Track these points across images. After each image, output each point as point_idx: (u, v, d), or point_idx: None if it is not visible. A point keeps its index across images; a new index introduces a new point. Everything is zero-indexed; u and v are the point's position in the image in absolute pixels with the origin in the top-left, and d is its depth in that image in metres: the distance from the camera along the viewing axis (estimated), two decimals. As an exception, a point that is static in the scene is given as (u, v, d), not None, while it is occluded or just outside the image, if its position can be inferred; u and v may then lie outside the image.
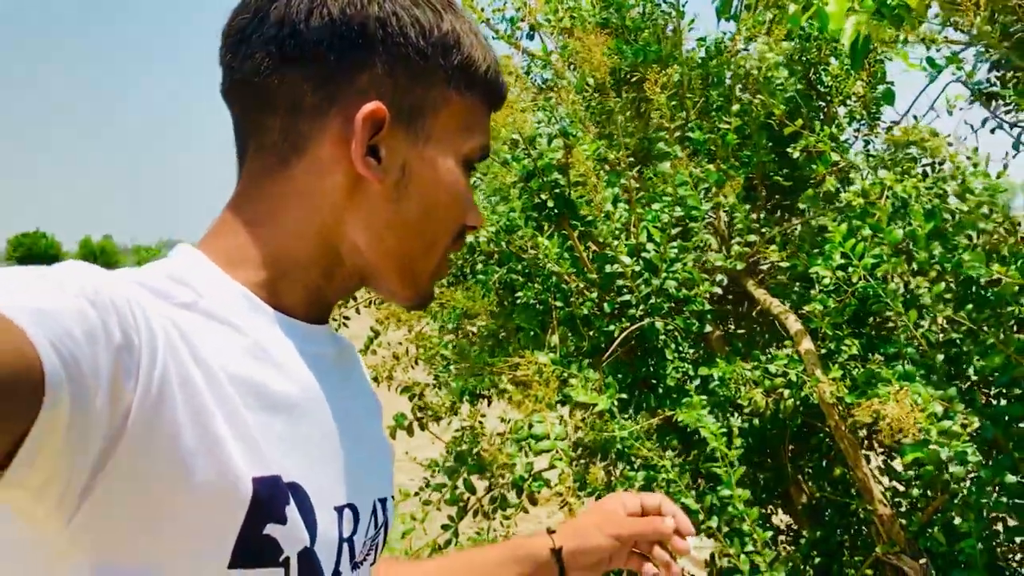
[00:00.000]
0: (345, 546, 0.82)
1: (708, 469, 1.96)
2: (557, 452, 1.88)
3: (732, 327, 2.63)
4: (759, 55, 2.15)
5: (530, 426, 1.93)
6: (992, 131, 1.98)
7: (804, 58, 2.34)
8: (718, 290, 2.31)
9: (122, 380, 0.61)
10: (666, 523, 1.11)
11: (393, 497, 0.95)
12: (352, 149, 0.79)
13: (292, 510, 0.73)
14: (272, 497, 0.71)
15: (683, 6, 2.74)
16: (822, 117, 2.50)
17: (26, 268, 0.62)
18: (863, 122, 2.71)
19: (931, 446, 1.68)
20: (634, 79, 2.59)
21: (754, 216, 2.51)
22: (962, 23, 1.72)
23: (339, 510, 0.81)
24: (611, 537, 1.12)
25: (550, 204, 2.24)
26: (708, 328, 2.46)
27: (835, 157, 2.09)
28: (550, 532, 1.10)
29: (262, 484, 0.70)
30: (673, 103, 2.51)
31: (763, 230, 2.38)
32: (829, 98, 2.48)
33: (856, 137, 2.71)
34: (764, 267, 2.49)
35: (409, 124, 0.81)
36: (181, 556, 0.67)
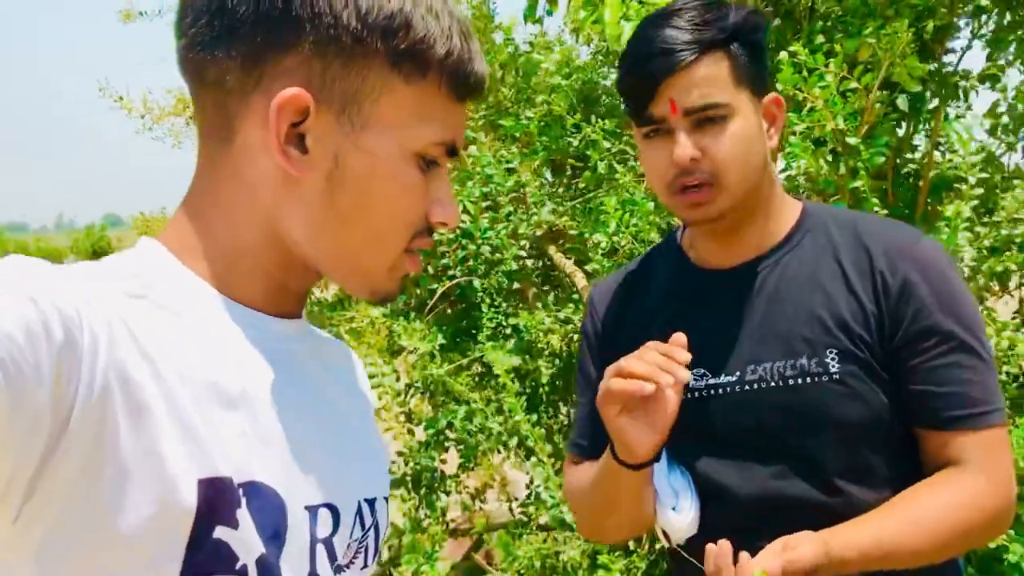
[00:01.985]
0: (321, 547, 0.79)
1: (501, 400, 2.42)
2: (384, 388, 2.31)
3: (545, 285, 3.12)
4: (552, 62, 2.62)
5: (362, 367, 2.35)
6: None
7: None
8: (523, 253, 2.78)
9: (65, 379, 0.60)
10: None
11: (387, 499, 0.92)
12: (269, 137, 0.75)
13: (244, 514, 0.70)
14: (221, 500, 0.68)
15: (494, 9, 3.20)
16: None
17: None
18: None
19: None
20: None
21: (560, 192, 3.00)
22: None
23: (312, 509, 0.79)
24: None
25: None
26: (521, 286, 2.95)
27: (607, 144, 2.58)
28: None
29: (209, 487, 0.68)
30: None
31: (561, 205, 2.87)
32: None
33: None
34: (565, 235, 2.98)
35: (342, 111, 0.76)
36: (128, 562, 0.66)
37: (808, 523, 1.17)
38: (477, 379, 2.58)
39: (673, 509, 1.29)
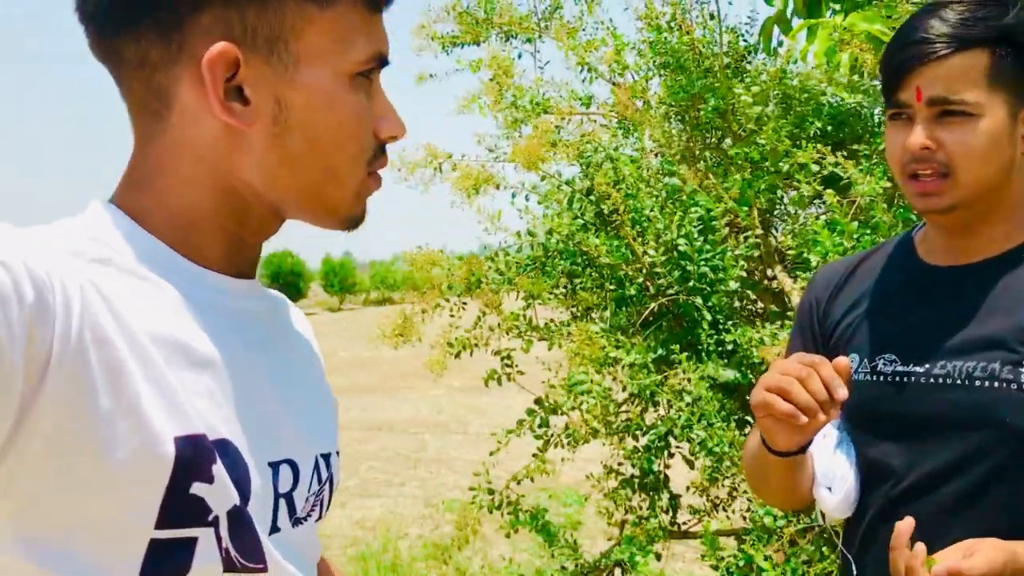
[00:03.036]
0: (283, 501, 0.81)
1: (701, 408, 2.61)
2: (593, 394, 2.61)
3: (774, 303, 3.23)
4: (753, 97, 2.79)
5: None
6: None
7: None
8: (743, 273, 2.93)
9: (37, 340, 0.61)
10: None
11: (338, 453, 0.94)
12: (209, 98, 0.75)
13: (219, 469, 0.72)
14: (197, 456, 0.70)
15: (736, 43, 3.38)
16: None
17: None
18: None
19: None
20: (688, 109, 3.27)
21: (779, 212, 3.12)
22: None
23: (274, 466, 0.80)
24: None
25: (607, 211, 2.96)
26: (763, 303, 3.11)
27: (815, 168, 2.68)
28: None
29: (185, 443, 0.69)
30: (718, 122, 3.17)
31: (782, 225, 2.99)
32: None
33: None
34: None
35: (270, 54, 0.76)
36: (104, 518, 0.67)
37: (962, 522, 1.22)
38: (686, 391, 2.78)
39: (829, 489, 1.35)
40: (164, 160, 0.79)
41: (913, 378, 1.29)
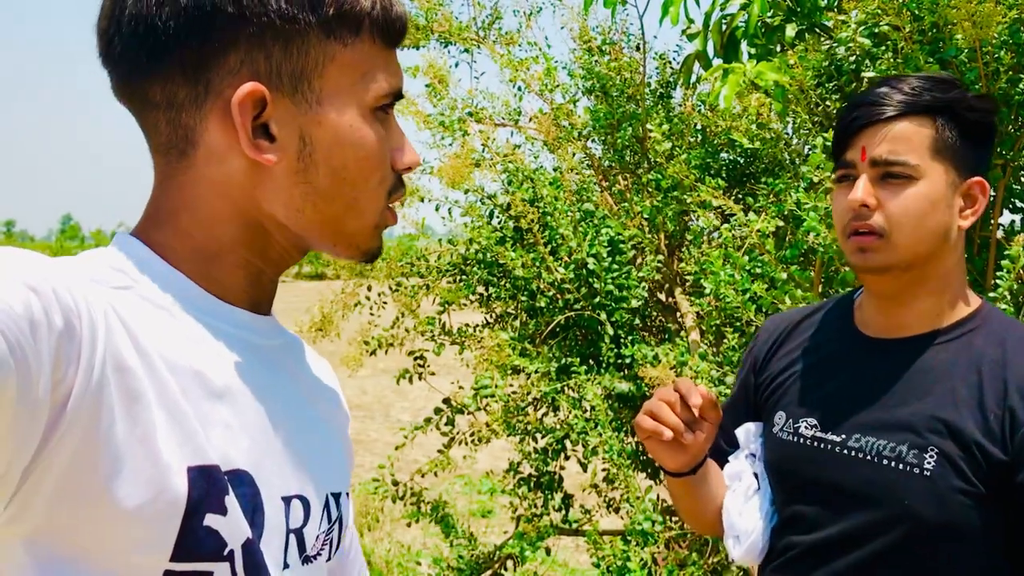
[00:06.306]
0: (292, 537, 0.81)
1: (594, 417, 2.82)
2: (496, 399, 2.80)
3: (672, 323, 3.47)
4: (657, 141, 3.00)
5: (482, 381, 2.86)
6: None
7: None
8: (644, 293, 3.15)
9: (63, 367, 0.61)
10: None
11: (348, 494, 0.94)
12: (239, 136, 0.76)
13: (232, 500, 0.72)
14: (210, 488, 0.70)
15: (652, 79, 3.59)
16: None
17: None
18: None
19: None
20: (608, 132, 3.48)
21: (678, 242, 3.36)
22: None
23: (286, 500, 0.81)
24: None
25: (524, 227, 3.15)
26: (667, 322, 3.33)
27: (716, 203, 2.91)
28: None
29: (198, 474, 0.70)
30: (636, 147, 3.39)
31: (689, 251, 3.22)
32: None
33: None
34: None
35: (294, 92, 0.78)
36: (118, 547, 0.67)
37: None
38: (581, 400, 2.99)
39: (737, 538, 1.45)
40: (187, 197, 0.80)
41: (829, 446, 1.36)
